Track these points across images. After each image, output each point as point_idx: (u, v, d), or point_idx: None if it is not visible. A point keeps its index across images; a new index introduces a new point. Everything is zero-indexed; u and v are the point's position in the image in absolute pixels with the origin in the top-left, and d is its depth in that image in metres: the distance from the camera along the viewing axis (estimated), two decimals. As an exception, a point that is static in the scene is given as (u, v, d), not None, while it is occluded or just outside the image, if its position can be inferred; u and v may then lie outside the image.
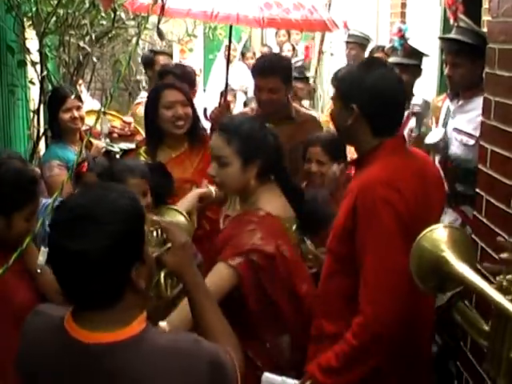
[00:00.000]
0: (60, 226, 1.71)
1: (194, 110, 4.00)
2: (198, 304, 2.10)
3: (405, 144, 2.83)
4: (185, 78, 4.82)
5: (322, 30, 5.38)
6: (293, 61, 6.13)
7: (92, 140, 4.76)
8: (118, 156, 4.83)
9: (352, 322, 2.52)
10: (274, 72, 4.30)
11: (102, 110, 4.98)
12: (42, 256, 1.85)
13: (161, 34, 3.17)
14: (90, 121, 4.96)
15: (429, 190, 2.66)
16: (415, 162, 2.73)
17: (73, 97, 4.61)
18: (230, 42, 5.82)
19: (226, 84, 5.47)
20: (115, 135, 5.34)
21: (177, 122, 3.88)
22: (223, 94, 5.41)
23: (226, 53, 10.29)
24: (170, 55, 6.80)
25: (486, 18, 4.43)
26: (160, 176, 3.46)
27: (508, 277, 1.72)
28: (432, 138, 4.23)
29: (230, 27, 5.55)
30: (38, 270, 1.87)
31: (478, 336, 1.85)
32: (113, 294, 1.72)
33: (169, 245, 2.14)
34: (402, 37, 5.16)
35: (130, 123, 5.57)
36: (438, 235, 1.86)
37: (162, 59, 6.25)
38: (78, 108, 4.65)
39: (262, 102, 4.41)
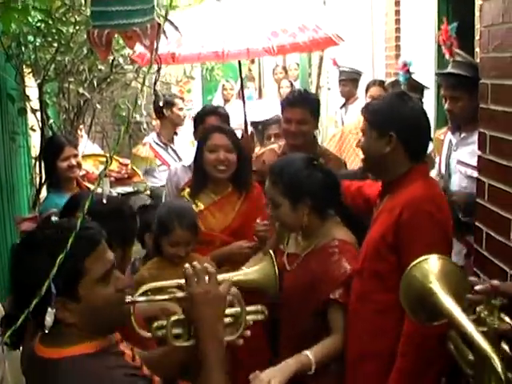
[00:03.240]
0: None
1: (242, 156, 3.97)
2: (202, 366, 2.04)
3: (428, 169, 3.11)
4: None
5: (329, 46, 5.48)
6: None
7: (88, 185, 4.80)
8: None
9: (402, 334, 2.67)
10: (303, 104, 4.30)
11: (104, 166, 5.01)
12: (49, 317, 1.89)
13: (157, 95, 3.27)
14: (87, 165, 5.01)
15: None
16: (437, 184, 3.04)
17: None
18: (241, 78, 5.86)
19: (245, 118, 5.54)
20: (112, 179, 5.34)
21: (219, 166, 3.86)
22: (245, 125, 5.49)
23: (224, 92, 10.50)
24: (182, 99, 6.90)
25: (478, 49, 4.48)
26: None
27: (493, 282, 1.76)
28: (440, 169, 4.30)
29: (239, 63, 5.59)
30: (46, 331, 1.91)
31: (465, 366, 1.86)
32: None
33: (179, 294, 2.13)
34: (408, 71, 5.23)
35: (126, 165, 5.59)
36: (430, 266, 1.88)
37: (179, 103, 6.48)
38: (75, 156, 4.68)
39: (290, 133, 4.33)
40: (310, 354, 2.78)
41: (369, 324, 2.83)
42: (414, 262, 1.90)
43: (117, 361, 1.97)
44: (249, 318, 2.26)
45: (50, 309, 1.87)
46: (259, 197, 3.93)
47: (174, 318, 2.16)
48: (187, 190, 4.02)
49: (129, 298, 2.06)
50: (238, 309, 2.21)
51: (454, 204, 3.96)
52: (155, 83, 2.50)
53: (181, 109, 6.49)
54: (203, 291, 2.07)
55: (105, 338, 2.00)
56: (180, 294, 2.14)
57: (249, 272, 2.43)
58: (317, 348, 2.84)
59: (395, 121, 2.85)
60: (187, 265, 2.15)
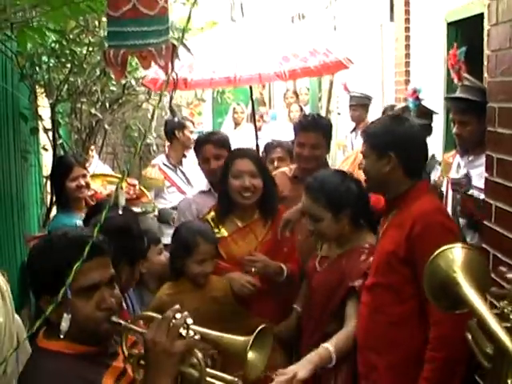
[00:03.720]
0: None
1: (268, 181, 3.91)
2: None
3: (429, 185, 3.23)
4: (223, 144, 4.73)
5: (339, 70, 5.54)
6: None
7: None
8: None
9: (430, 339, 2.75)
10: (317, 128, 4.32)
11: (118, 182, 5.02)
12: (64, 322, 1.94)
13: (173, 111, 3.32)
14: (95, 185, 5.04)
15: None
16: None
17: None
18: (252, 101, 5.94)
19: (257, 141, 5.65)
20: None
21: (244, 193, 3.80)
22: (257, 149, 5.56)
23: (235, 116, 10.57)
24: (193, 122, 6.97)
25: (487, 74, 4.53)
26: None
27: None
28: (456, 174, 4.31)
29: (251, 87, 5.66)
30: (61, 336, 1.94)
31: (483, 358, 1.85)
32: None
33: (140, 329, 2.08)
34: (417, 98, 5.27)
35: (134, 185, 5.59)
36: (454, 255, 1.86)
37: (189, 126, 6.57)
38: (84, 176, 4.71)
39: (303, 157, 4.34)
40: (329, 346, 2.96)
41: (382, 336, 2.91)
42: (438, 251, 1.89)
43: (89, 370, 2.02)
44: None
45: (65, 314, 1.91)
46: None
47: (140, 354, 2.09)
48: (212, 213, 3.95)
49: (114, 319, 2.06)
50: (197, 373, 2.04)
51: (466, 210, 4.00)
52: (171, 100, 2.53)
53: (191, 132, 6.55)
54: (152, 340, 1.98)
55: (90, 346, 2.05)
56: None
57: (230, 340, 2.11)
58: (335, 340, 3.02)
59: (393, 142, 2.98)
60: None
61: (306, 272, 3.65)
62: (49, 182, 5.95)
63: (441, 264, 1.87)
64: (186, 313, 2.04)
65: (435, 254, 1.90)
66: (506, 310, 1.76)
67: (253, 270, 3.67)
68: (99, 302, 2.03)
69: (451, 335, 2.61)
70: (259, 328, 2.04)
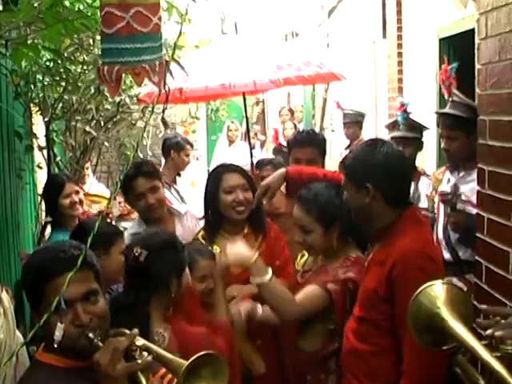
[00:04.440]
0: None
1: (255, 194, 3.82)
2: None
3: (416, 211, 3.07)
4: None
5: (333, 81, 5.60)
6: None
7: None
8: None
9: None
10: (312, 143, 4.33)
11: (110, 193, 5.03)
12: (58, 331, 1.94)
13: (165, 123, 3.31)
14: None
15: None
16: (425, 224, 3.04)
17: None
18: (247, 118, 5.97)
19: (251, 158, 5.64)
20: (111, 216, 5.30)
21: (237, 208, 3.73)
22: (252, 166, 5.56)
23: (229, 133, 10.60)
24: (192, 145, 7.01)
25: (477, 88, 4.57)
26: None
27: (497, 333, 1.75)
28: (444, 188, 4.34)
29: (244, 96, 5.69)
30: (55, 345, 1.95)
31: None
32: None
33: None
34: (405, 111, 5.30)
35: (120, 202, 5.57)
36: (436, 292, 1.89)
37: (188, 149, 6.65)
38: (77, 192, 4.65)
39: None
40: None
41: (366, 363, 2.88)
42: (420, 289, 1.91)
43: None
44: None
45: (59, 324, 1.91)
46: (277, 237, 3.90)
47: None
48: (201, 232, 3.89)
49: (90, 335, 2.01)
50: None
51: (456, 226, 3.99)
52: (163, 112, 2.56)
53: (187, 155, 6.56)
54: (97, 362, 1.96)
55: (77, 360, 2.04)
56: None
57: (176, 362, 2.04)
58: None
59: (369, 172, 2.85)
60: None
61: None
62: (43, 200, 5.97)
63: (424, 302, 1.90)
64: (135, 331, 2.02)
65: (417, 292, 1.92)
66: (494, 341, 1.77)
67: None
68: (72, 319, 2.00)
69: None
70: (200, 354, 1.95)
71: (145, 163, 4.27)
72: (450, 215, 4.12)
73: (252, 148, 6.21)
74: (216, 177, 3.86)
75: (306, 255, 3.55)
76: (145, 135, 8.27)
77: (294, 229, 3.43)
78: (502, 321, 1.88)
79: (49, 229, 5.79)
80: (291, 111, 11.59)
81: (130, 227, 4.39)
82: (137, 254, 2.84)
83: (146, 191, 4.03)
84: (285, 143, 7.18)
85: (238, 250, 3.17)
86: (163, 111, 2.25)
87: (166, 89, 2.44)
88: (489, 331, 1.78)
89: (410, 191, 3.08)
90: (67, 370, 2.03)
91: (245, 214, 3.77)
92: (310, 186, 3.35)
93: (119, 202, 5.60)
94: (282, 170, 3.73)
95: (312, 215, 3.23)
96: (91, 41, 5.16)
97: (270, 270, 3.06)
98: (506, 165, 2.78)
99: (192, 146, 6.99)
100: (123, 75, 2.46)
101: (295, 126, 10.71)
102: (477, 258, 3.15)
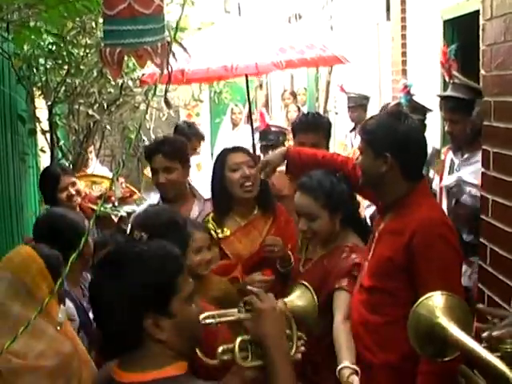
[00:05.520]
0: (96, 268, 1.93)
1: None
2: (273, 376, 2.04)
3: (428, 185, 3.12)
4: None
5: (336, 64, 5.57)
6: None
7: (92, 206, 4.76)
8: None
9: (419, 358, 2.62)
10: (317, 128, 4.32)
11: (113, 175, 4.98)
12: (61, 313, 1.94)
13: (168, 103, 3.26)
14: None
15: None
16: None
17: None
18: (249, 101, 5.94)
19: (253, 141, 5.63)
20: (113, 198, 5.23)
21: (246, 183, 3.70)
22: (253, 147, 5.57)
23: (233, 116, 10.58)
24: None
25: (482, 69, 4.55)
26: None
27: (494, 333, 1.75)
28: (447, 181, 4.31)
29: (246, 78, 5.66)
30: (58, 327, 1.94)
31: None
32: (128, 340, 1.84)
33: (250, 313, 2.12)
34: (408, 93, 5.27)
35: (121, 183, 5.53)
36: (434, 302, 1.90)
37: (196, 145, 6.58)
38: (73, 184, 4.60)
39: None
40: (347, 363, 2.88)
41: (379, 335, 2.88)
42: (417, 302, 1.92)
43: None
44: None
45: (62, 306, 1.91)
46: (287, 221, 3.88)
47: (239, 339, 2.10)
48: (211, 215, 3.85)
49: (201, 320, 2.06)
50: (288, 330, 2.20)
51: (460, 218, 3.99)
52: (166, 93, 2.54)
53: (194, 148, 6.39)
54: (271, 307, 2.09)
55: (187, 360, 1.97)
56: (243, 315, 2.14)
57: (292, 299, 2.43)
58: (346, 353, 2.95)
59: (390, 141, 2.85)
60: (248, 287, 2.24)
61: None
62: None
63: (423, 313, 1.90)
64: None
65: (416, 305, 1.92)
66: (493, 342, 1.77)
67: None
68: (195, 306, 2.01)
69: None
70: None
71: (169, 142, 4.23)
72: (454, 208, 4.12)
73: (255, 131, 6.17)
74: (221, 158, 3.85)
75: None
76: (148, 118, 8.27)
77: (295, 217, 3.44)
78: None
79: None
80: (293, 94, 11.54)
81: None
82: (137, 237, 2.80)
83: (160, 169, 4.04)
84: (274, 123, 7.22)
85: None
86: (165, 92, 2.23)
87: (169, 69, 2.42)
88: (486, 333, 1.78)
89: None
90: (187, 375, 1.92)
91: (253, 193, 3.74)
92: (309, 174, 3.32)
93: (121, 183, 5.54)
94: (283, 148, 3.74)
95: (319, 202, 3.20)
96: (94, 24, 5.15)
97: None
98: (510, 146, 2.76)
99: (201, 139, 6.88)
100: (125, 58, 2.45)
101: (299, 108, 10.68)
102: (481, 240, 3.14)
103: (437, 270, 2.68)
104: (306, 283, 2.52)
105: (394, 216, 2.92)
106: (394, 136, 2.86)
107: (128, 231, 3.02)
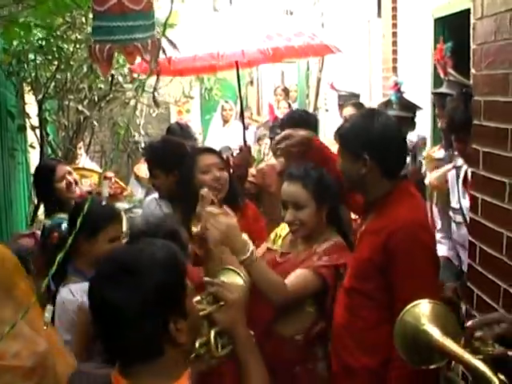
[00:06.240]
0: (100, 279, 1.77)
1: (231, 176, 3.83)
2: (244, 364, 2.08)
3: (410, 184, 3.03)
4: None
5: (325, 54, 5.54)
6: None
7: None
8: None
9: (392, 357, 2.63)
10: (305, 124, 4.25)
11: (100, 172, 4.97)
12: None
13: (156, 102, 3.26)
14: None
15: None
16: (418, 198, 2.98)
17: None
18: (240, 97, 5.88)
19: (244, 135, 5.61)
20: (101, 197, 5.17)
21: (215, 185, 3.67)
22: (244, 140, 5.54)
23: (223, 113, 10.54)
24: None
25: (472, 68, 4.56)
26: None
27: (477, 334, 1.77)
28: (438, 154, 4.36)
29: (238, 74, 5.63)
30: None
31: None
32: (151, 348, 1.74)
33: (221, 303, 2.13)
34: (398, 90, 5.27)
35: (110, 178, 5.48)
36: (421, 310, 1.90)
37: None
38: (70, 173, 4.51)
39: (292, 153, 4.35)
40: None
41: (359, 339, 2.85)
42: (405, 309, 1.91)
43: None
44: None
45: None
46: (256, 218, 3.88)
47: (213, 332, 2.11)
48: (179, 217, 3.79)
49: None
50: None
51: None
52: (155, 90, 2.54)
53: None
54: (239, 297, 2.16)
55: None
56: (212, 308, 2.13)
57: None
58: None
59: (366, 142, 2.81)
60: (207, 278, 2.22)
61: None
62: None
63: (409, 320, 1.90)
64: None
65: (403, 312, 1.92)
66: (476, 345, 1.78)
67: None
68: None
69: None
70: None
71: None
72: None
73: (246, 128, 6.16)
74: (192, 159, 3.82)
75: (284, 235, 3.45)
76: (138, 114, 8.24)
77: (279, 210, 3.37)
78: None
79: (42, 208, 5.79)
80: (285, 91, 11.51)
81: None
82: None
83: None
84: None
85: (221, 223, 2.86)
86: (154, 89, 2.23)
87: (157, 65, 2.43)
88: (469, 322, 1.84)
89: (406, 161, 3.06)
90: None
91: (221, 194, 3.70)
92: (297, 165, 3.28)
93: (109, 179, 5.50)
94: (311, 132, 3.62)
95: (308, 190, 3.15)
96: (83, 19, 5.12)
97: (251, 245, 2.87)
98: (500, 146, 2.76)
99: (194, 142, 6.86)
100: (116, 54, 2.44)
101: (289, 105, 10.66)
102: (470, 238, 3.15)
103: (412, 273, 2.66)
104: (232, 267, 2.50)
105: (374, 216, 2.91)
106: (370, 136, 2.82)
107: (128, 240, 2.98)
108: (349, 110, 6.15)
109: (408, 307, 1.92)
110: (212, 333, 2.09)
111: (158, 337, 1.73)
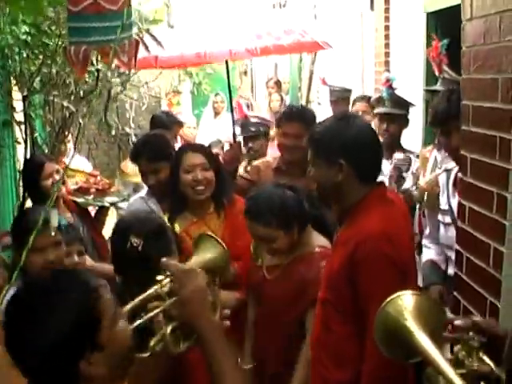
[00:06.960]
0: (8, 316, 1.71)
1: (221, 174, 3.83)
2: (211, 358, 1.92)
3: (386, 190, 2.93)
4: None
5: (315, 50, 5.50)
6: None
7: (73, 198, 4.71)
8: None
9: (362, 371, 2.61)
10: (301, 118, 4.33)
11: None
12: None
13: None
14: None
15: (409, 228, 2.92)
16: (396, 205, 2.86)
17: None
18: (230, 90, 5.85)
19: (234, 129, 5.60)
20: (93, 190, 5.08)
21: (196, 187, 3.71)
22: (234, 136, 5.57)
23: (215, 105, 10.46)
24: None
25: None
26: None
27: (456, 322, 1.73)
28: (406, 184, 4.28)
29: (227, 66, 5.55)
30: None
31: None
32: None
33: (173, 299, 1.96)
34: (390, 86, 5.19)
35: (96, 176, 5.39)
36: (404, 302, 1.79)
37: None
38: (58, 171, 4.48)
39: (287, 148, 4.37)
40: None
41: (332, 351, 2.78)
42: (388, 299, 1.81)
43: None
44: None
45: None
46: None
47: (169, 327, 1.95)
48: (166, 215, 3.81)
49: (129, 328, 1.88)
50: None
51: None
52: (123, 85, 2.47)
53: (175, 136, 6.37)
54: (194, 288, 1.93)
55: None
56: (168, 303, 1.97)
57: (202, 255, 2.28)
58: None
59: (341, 147, 2.71)
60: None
61: (250, 285, 3.52)
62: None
63: (391, 312, 1.80)
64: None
65: (384, 303, 1.82)
66: (460, 355, 1.70)
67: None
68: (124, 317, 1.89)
69: (384, 372, 2.52)
70: None
71: (150, 144, 4.30)
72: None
73: (236, 123, 6.09)
74: (177, 157, 3.85)
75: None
76: (128, 108, 8.18)
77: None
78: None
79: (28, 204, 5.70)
80: (277, 83, 11.41)
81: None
82: (135, 245, 2.71)
83: (147, 172, 4.15)
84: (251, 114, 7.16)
85: None
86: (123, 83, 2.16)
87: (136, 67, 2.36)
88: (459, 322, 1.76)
89: (381, 165, 2.93)
90: None
91: (204, 195, 3.74)
92: (254, 197, 3.26)
93: (95, 176, 5.41)
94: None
95: (272, 225, 3.14)
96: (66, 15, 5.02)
97: None
98: (487, 153, 2.68)
99: (181, 126, 6.85)
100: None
101: (282, 98, 10.58)
102: (457, 247, 3.08)
103: (375, 288, 2.54)
104: (209, 233, 2.41)
105: (346, 225, 2.82)
106: (345, 140, 2.72)
107: (115, 236, 2.89)
108: (359, 106, 6.09)
109: (390, 298, 1.82)
110: (168, 329, 1.94)
111: (68, 376, 1.65)
